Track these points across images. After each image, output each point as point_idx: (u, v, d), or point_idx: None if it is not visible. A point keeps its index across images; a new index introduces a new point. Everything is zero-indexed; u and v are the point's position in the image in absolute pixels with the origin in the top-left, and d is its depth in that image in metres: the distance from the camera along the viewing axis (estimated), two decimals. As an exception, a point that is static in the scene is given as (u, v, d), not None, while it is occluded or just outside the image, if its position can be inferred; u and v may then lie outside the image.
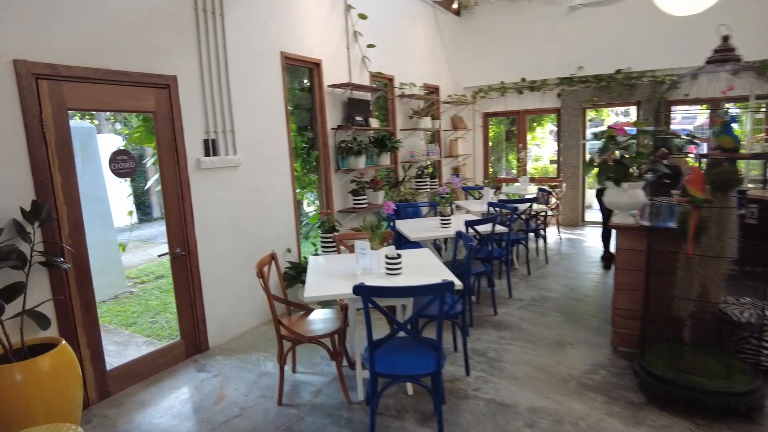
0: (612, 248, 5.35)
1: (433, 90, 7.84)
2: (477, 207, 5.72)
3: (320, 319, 3.23)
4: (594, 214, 8.32)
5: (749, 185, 5.01)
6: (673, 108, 7.49)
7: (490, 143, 9.39)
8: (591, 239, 7.25)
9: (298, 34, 4.79)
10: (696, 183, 2.63)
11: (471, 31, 8.61)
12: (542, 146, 11.35)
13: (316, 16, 5.05)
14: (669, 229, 2.98)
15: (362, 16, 5.61)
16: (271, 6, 4.44)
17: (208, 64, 3.81)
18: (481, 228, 4.19)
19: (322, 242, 4.70)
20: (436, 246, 5.63)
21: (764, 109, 6.39)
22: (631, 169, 3.38)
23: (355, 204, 5.43)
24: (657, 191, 3.34)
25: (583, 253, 6.50)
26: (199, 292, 3.78)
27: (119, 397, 3.19)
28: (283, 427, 2.77)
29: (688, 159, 5.02)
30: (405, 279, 2.83)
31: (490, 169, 9.42)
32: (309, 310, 3.40)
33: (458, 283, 2.60)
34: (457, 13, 8.55)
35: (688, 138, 4.20)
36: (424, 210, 5.73)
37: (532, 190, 6.87)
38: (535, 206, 5.91)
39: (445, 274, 2.87)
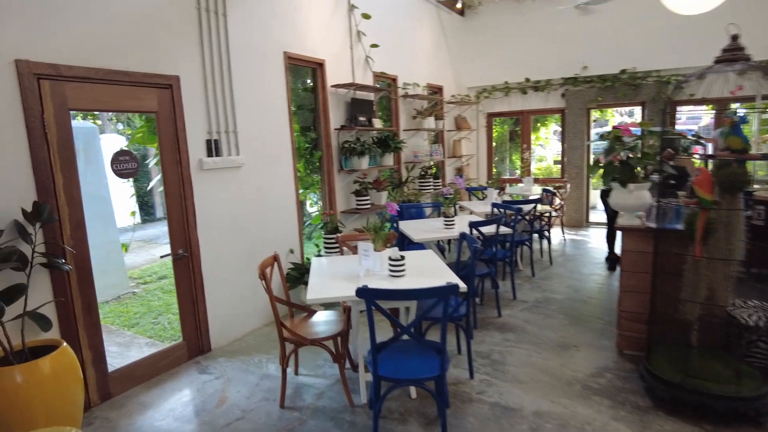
0: (617, 249, 5.31)
1: (436, 90, 7.81)
2: (481, 208, 5.69)
3: (323, 321, 3.21)
4: (598, 215, 8.28)
5: (756, 186, 4.96)
6: (678, 108, 7.43)
7: (494, 144, 9.35)
8: (595, 240, 7.21)
9: (302, 33, 4.77)
10: (704, 184, 2.60)
11: (475, 30, 8.57)
12: (546, 147, 11.29)
13: (320, 15, 5.03)
14: (676, 231, 2.94)
15: (366, 16, 5.59)
16: (274, 5, 4.42)
17: (210, 64, 3.80)
18: (484, 229, 4.16)
19: (325, 243, 4.68)
20: (440, 247, 5.59)
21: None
22: (636, 170, 3.35)
23: (358, 205, 5.41)
24: (663, 192, 3.31)
25: (588, 254, 6.45)
26: (202, 293, 3.76)
27: (121, 399, 3.17)
28: (286, 431, 2.74)
29: (693, 160, 4.98)
30: (408, 281, 2.81)
31: (494, 170, 9.37)
32: (312, 312, 3.38)
33: (462, 286, 2.57)
34: (461, 12, 8.52)
35: (693, 138, 4.16)
36: (428, 211, 5.71)
37: (536, 191, 6.84)
38: (539, 207, 5.88)
39: (448, 276, 2.85)
